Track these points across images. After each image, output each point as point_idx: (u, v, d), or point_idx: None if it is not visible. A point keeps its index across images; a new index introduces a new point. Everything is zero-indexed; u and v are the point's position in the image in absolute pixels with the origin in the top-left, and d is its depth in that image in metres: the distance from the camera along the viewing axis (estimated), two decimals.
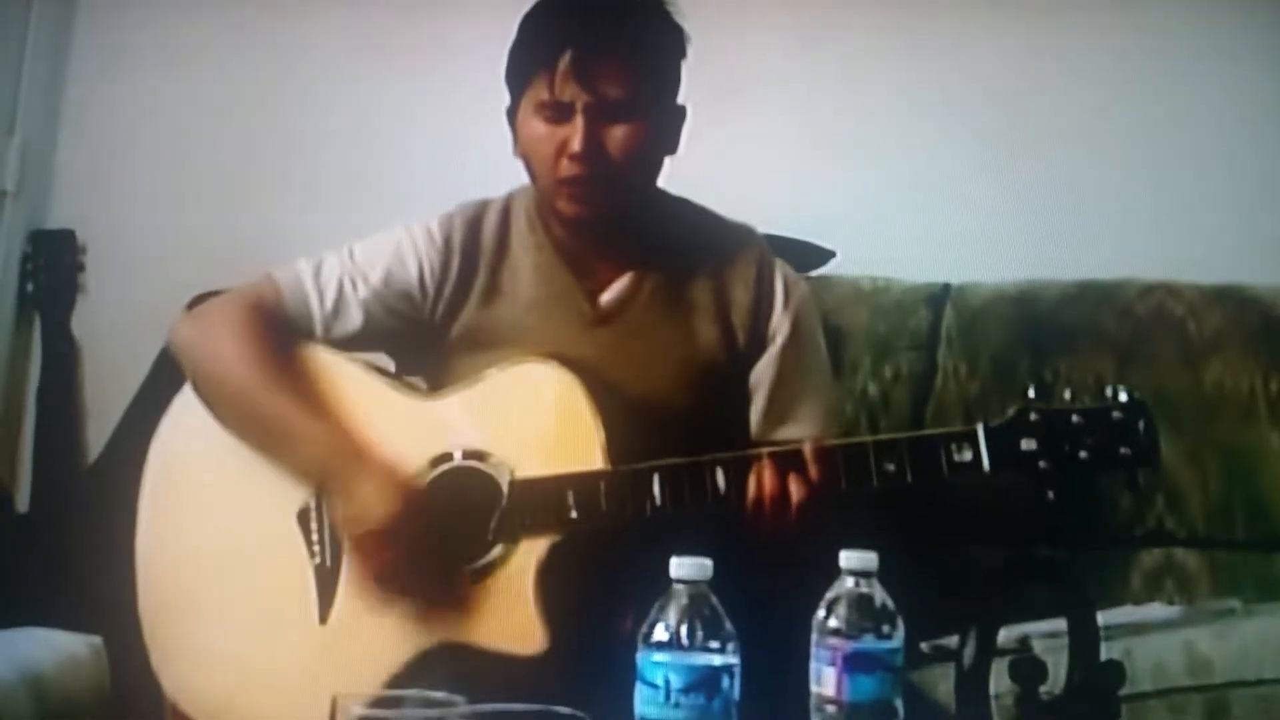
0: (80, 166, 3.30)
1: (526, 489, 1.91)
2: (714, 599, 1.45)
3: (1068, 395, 1.82)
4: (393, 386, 2.03)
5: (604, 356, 1.99)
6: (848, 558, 1.48)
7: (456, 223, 2.08)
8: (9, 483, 3.13)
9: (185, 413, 2.07)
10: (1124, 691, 1.60)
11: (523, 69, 1.99)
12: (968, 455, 1.82)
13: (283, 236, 2.89)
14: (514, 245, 2.07)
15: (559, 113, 1.96)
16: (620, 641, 1.51)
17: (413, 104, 3.16)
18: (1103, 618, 1.61)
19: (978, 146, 3.04)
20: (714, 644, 1.44)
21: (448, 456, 1.95)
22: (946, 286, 2.88)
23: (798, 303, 2.08)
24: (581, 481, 1.89)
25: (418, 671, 1.87)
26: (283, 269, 2.08)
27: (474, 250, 2.07)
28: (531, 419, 1.94)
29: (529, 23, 2.00)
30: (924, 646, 2.14)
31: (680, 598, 1.45)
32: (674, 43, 2.03)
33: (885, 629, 1.46)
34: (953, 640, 1.62)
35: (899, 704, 1.46)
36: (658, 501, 1.87)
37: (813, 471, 1.85)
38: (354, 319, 2.06)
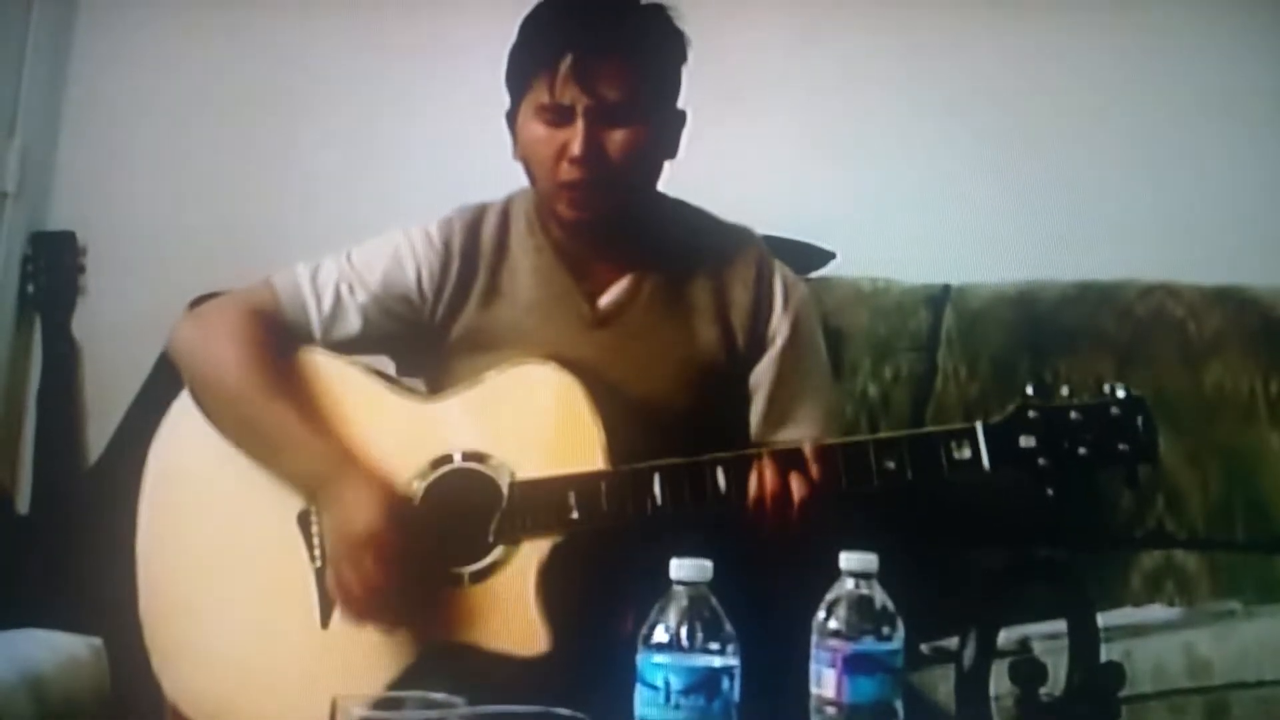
0: (80, 168, 3.30)
1: (527, 490, 1.91)
2: (714, 600, 1.46)
3: (1065, 394, 1.82)
4: (392, 389, 2.03)
5: (603, 358, 1.99)
6: (848, 559, 1.48)
7: (455, 226, 2.08)
8: (9, 484, 3.13)
9: (185, 415, 2.06)
10: (1124, 693, 1.60)
11: (523, 72, 1.99)
12: (967, 453, 1.82)
13: (283, 237, 2.90)
14: (513, 247, 2.07)
15: (559, 116, 1.96)
16: (621, 643, 1.51)
17: (413, 106, 3.16)
18: (1103, 619, 1.61)
19: (978, 147, 3.04)
20: (714, 645, 1.44)
21: (447, 458, 1.95)
22: (946, 288, 2.88)
23: (797, 304, 2.08)
24: (582, 482, 1.89)
25: (418, 673, 1.87)
26: (280, 274, 2.08)
27: (473, 253, 2.07)
28: (531, 420, 1.94)
29: (529, 25, 2.00)
30: (924, 648, 2.14)
31: (680, 599, 1.45)
32: (674, 47, 2.03)
33: (885, 630, 1.46)
34: (953, 642, 1.62)
35: (899, 705, 1.46)
36: (658, 501, 1.87)
37: (813, 470, 1.85)
38: (352, 322, 2.06)
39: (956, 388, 2.78)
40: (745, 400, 2.06)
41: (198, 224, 3.18)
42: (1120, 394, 1.80)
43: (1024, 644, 2.06)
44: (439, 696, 1.43)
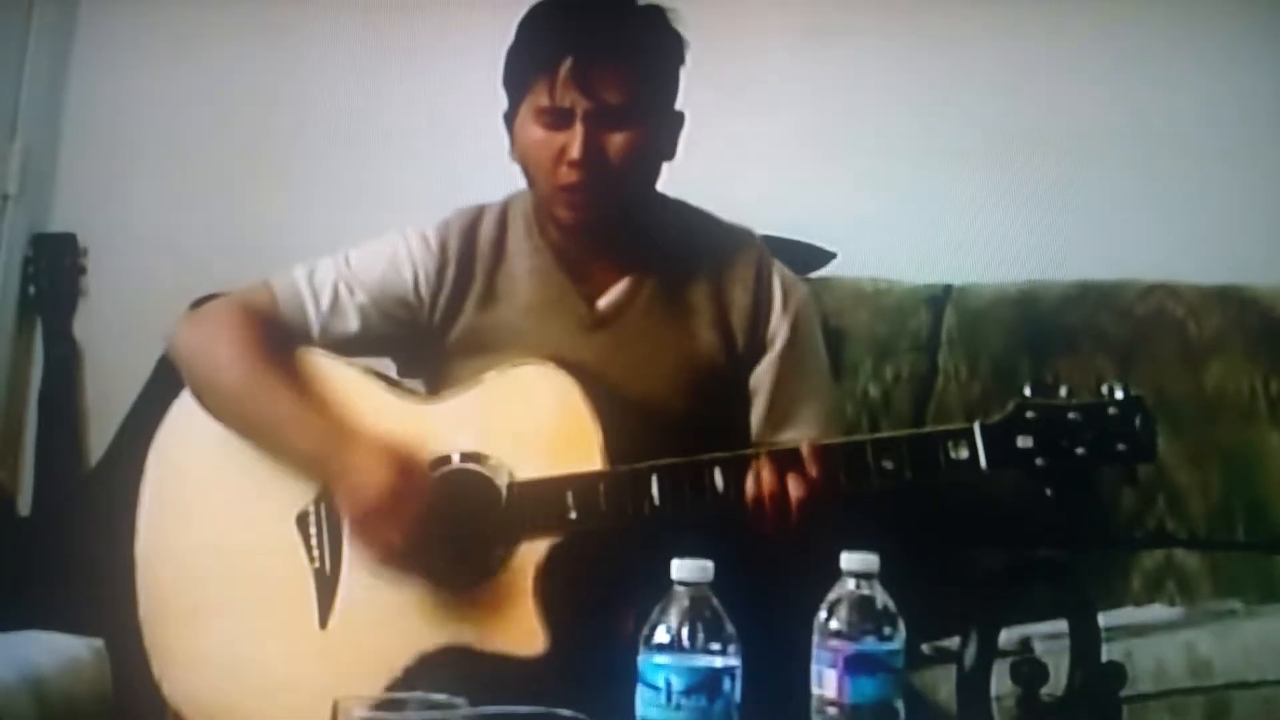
0: (81, 170, 3.31)
1: (525, 491, 1.91)
2: (715, 601, 1.46)
3: (1064, 394, 1.82)
4: (391, 390, 2.03)
5: (602, 360, 1.99)
6: (849, 559, 1.48)
7: (453, 229, 2.08)
8: (11, 486, 3.14)
9: (184, 417, 2.07)
10: (1125, 693, 1.59)
11: (521, 74, 1.99)
12: (965, 453, 1.82)
13: (283, 239, 2.90)
14: (511, 250, 2.07)
15: (558, 119, 1.96)
16: (620, 643, 1.51)
17: (412, 107, 3.17)
18: (1104, 619, 1.61)
19: (978, 147, 3.04)
20: (715, 646, 1.44)
21: (446, 459, 1.95)
22: (947, 288, 2.88)
23: (796, 305, 2.08)
24: (581, 482, 1.89)
25: (418, 674, 1.87)
26: (277, 275, 2.08)
27: (470, 256, 2.07)
28: (530, 421, 1.94)
29: (527, 26, 2.00)
30: (925, 648, 2.14)
31: (681, 600, 1.45)
32: (673, 49, 2.03)
33: (886, 630, 1.46)
34: (954, 642, 1.62)
35: (900, 706, 1.46)
36: (656, 502, 1.87)
37: (811, 470, 1.85)
38: (350, 321, 2.06)
39: (957, 388, 2.78)
40: (745, 402, 2.06)
41: (198, 226, 3.19)
42: (1119, 394, 1.80)
43: (1025, 644, 2.06)
44: (440, 697, 1.43)
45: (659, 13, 2.01)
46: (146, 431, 2.11)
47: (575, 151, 1.95)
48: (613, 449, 1.89)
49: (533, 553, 1.90)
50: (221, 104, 3.23)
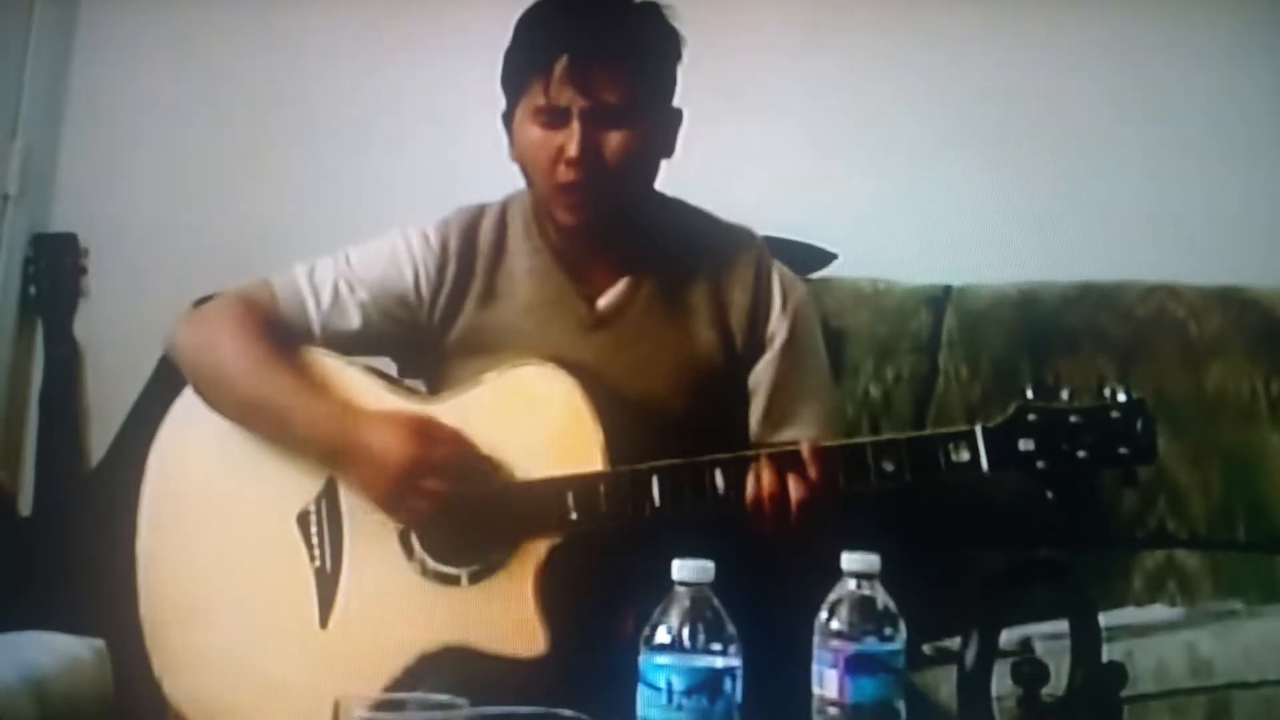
0: (82, 170, 3.30)
1: (526, 491, 1.91)
2: (716, 601, 1.46)
3: (1066, 395, 1.82)
4: (391, 390, 2.03)
5: (602, 360, 1.99)
6: (849, 559, 1.48)
7: (453, 228, 2.08)
8: (12, 486, 3.13)
9: (185, 417, 2.07)
10: (1126, 693, 1.59)
11: (518, 73, 1.99)
12: (965, 455, 1.82)
13: (283, 238, 2.90)
14: (510, 249, 2.07)
15: (555, 118, 1.96)
16: (621, 643, 1.51)
17: (412, 107, 3.17)
18: (1104, 619, 1.61)
19: (978, 148, 3.04)
20: (716, 646, 1.44)
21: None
22: (947, 289, 2.88)
23: (796, 305, 2.08)
24: (581, 483, 1.89)
25: (419, 674, 1.87)
26: (278, 274, 2.08)
27: (470, 255, 2.07)
28: (530, 421, 1.94)
29: (524, 27, 2.00)
30: (926, 648, 2.15)
31: (682, 600, 1.45)
32: (670, 46, 2.02)
33: (887, 631, 1.46)
34: (955, 642, 1.62)
35: (901, 706, 1.46)
36: (657, 502, 1.87)
37: (811, 471, 1.85)
38: (351, 319, 2.06)
39: (958, 389, 2.78)
40: (744, 401, 2.06)
41: (199, 225, 3.19)
42: (1120, 397, 1.80)
43: (1026, 644, 2.06)
44: (440, 698, 1.43)
45: (655, 10, 2.01)
46: (147, 432, 2.12)
47: (573, 150, 1.95)
48: (612, 449, 1.89)
49: (533, 553, 1.90)
50: (221, 104, 3.23)
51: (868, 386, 2.80)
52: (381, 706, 1.42)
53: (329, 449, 1.96)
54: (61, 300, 3.23)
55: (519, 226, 2.08)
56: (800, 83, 3.11)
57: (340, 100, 3.19)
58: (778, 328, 2.06)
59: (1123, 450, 1.80)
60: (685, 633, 1.44)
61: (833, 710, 1.46)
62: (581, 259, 2.06)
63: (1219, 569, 2.65)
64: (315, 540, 1.98)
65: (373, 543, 1.96)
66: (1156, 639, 2.26)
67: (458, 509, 1.91)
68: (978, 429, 1.82)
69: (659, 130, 2.02)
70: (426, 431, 1.92)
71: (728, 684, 1.44)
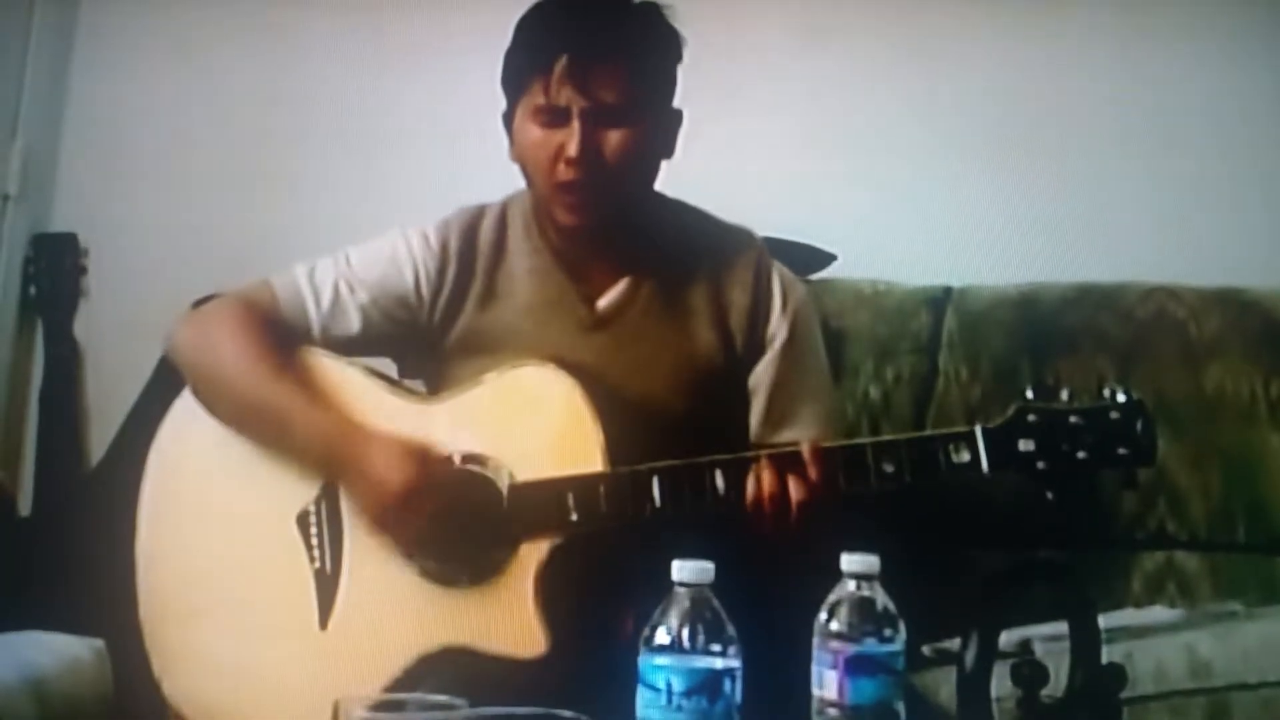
0: (82, 170, 3.31)
1: (526, 492, 1.91)
2: (716, 602, 1.46)
3: (1066, 396, 1.82)
4: (391, 390, 2.03)
5: (602, 361, 1.99)
6: (849, 561, 1.48)
7: (453, 228, 2.08)
8: (11, 486, 3.13)
9: (185, 417, 2.07)
10: (1125, 694, 1.59)
11: (518, 73, 1.99)
12: (965, 456, 1.82)
13: (283, 238, 2.90)
14: (510, 250, 2.07)
15: (555, 117, 1.96)
16: (621, 644, 1.51)
17: (412, 107, 3.17)
18: (1104, 621, 1.61)
19: (978, 148, 3.04)
20: (716, 647, 1.44)
21: (447, 461, 1.95)
22: (948, 289, 2.88)
23: (795, 305, 2.08)
24: (581, 484, 1.89)
25: (419, 675, 1.87)
26: (278, 274, 2.08)
27: (470, 255, 2.07)
28: (530, 422, 1.94)
29: (524, 27, 2.00)
30: (925, 649, 2.15)
31: (682, 601, 1.45)
32: (670, 46, 2.02)
33: (887, 632, 1.46)
34: (954, 643, 1.62)
35: (900, 707, 1.46)
36: (657, 503, 1.87)
37: (812, 472, 1.85)
38: (351, 321, 2.06)
39: (958, 389, 2.78)
40: (745, 402, 2.06)
41: (199, 225, 3.19)
42: (1120, 397, 1.80)
43: (1025, 646, 2.06)
44: (440, 698, 1.43)
45: (655, 10, 2.01)
46: (147, 432, 2.11)
47: (572, 150, 1.95)
48: (612, 450, 1.89)
49: (533, 554, 1.90)
50: (222, 104, 3.23)
51: (868, 387, 2.80)
52: (381, 707, 1.42)
53: (326, 464, 1.96)
54: (61, 300, 3.23)
55: (519, 227, 2.08)
56: (800, 83, 3.11)
57: (340, 100, 3.19)
58: (778, 328, 2.06)
59: (1122, 451, 1.80)
60: (685, 634, 1.44)
61: (832, 711, 1.45)
62: (581, 259, 2.06)
63: (1218, 570, 2.65)
64: (315, 541, 1.97)
65: (372, 544, 1.96)
66: (1156, 640, 2.26)
67: (455, 516, 1.91)
68: (978, 430, 1.82)
69: (659, 130, 2.02)
70: (422, 460, 1.92)
71: (727, 685, 1.44)
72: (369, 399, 2.00)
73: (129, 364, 2.91)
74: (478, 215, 2.10)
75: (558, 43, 1.95)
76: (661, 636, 1.44)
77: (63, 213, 3.30)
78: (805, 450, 1.86)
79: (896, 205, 3.04)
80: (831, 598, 1.48)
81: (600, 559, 1.89)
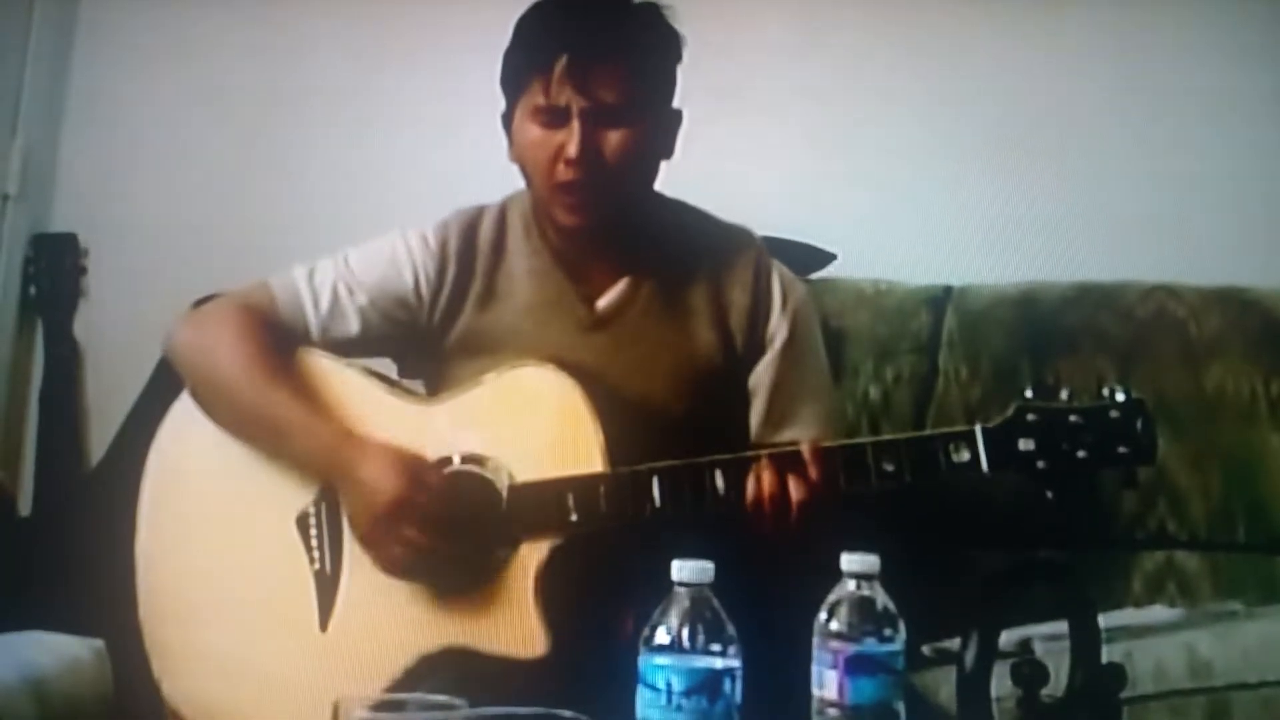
0: (82, 170, 3.31)
1: (526, 492, 1.91)
2: (715, 602, 1.46)
3: (1065, 395, 1.82)
4: (390, 391, 2.03)
5: (602, 361, 1.99)
6: (849, 560, 1.48)
7: (452, 229, 2.08)
8: (11, 486, 3.13)
9: (184, 418, 2.07)
10: (1125, 694, 1.59)
11: (518, 73, 1.99)
12: (965, 455, 1.82)
13: (283, 239, 2.89)
14: (510, 250, 2.07)
15: (554, 118, 1.96)
16: (621, 644, 1.51)
17: (411, 107, 3.17)
18: (1104, 620, 1.61)
19: (978, 148, 3.04)
20: (716, 647, 1.44)
21: (446, 461, 1.95)
22: (948, 289, 2.88)
23: (795, 305, 2.08)
24: (581, 484, 1.89)
25: (419, 676, 1.87)
26: (277, 276, 2.08)
27: (470, 256, 2.07)
28: (530, 422, 1.94)
29: (523, 27, 2.00)
30: (925, 649, 2.14)
31: (682, 601, 1.45)
32: (669, 46, 2.02)
33: (887, 632, 1.46)
34: (954, 643, 1.61)
35: (900, 707, 1.46)
36: (657, 503, 1.87)
37: (812, 472, 1.85)
38: (350, 323, 2.06)
39: (958, 389, 2.78)
40: (745, 402, 2.06)
41: (199, 226, 3.19)
42: (1120, 397, 1.80)
43: (1025, 645, 2.06)
44: (440, 699, 1.43)
45: (655, 10, 2.01)
46: (147, 432, 2.12)
47: (572, 150, 1.95)
48: (612, 450, 1.89)
49: (534, 554, 1.90)
50: (222, 104, 3.23)
51: (868, 387, 2.80)
52: (381, 707, 1.42)
53: (321, 472, 1.96)
54: (61, 300, 3.23)
55: (518, 227, 2.08)
56: (800, 83, 3.11)
57: (340, 100, 3.19)
58: (778, 328, 2.06)
59: (1123, 450, 1.80)
60: (685, 633, 1.44)
61: (832, 711, 1.45)
62: (581, 259, 2.05)
63: (1218, 570, 2.65)
64: (314, 542, 1.97)
65: None
66: (1156, 640, 2.26)
67: (451, 523, 1.90)
68: (978, 429, 1.82)
69: (659, 130, 2.02)
70: (417, 475, 1.92)
71: (727, 685, 1.44)
72: (368, 400, 2.00)
73: (129, 364, 2.91)
74: (477, 216, 2.10)
75: (557, 42, 1.95)
76: (661, 636, 1.44)
77: (63, 213, 3.30)
78: (805, 450, 1.86)
79: (896, 205, 3.04)
80: (831, 597, 1.48)
81: (600, 559, 1.89)
